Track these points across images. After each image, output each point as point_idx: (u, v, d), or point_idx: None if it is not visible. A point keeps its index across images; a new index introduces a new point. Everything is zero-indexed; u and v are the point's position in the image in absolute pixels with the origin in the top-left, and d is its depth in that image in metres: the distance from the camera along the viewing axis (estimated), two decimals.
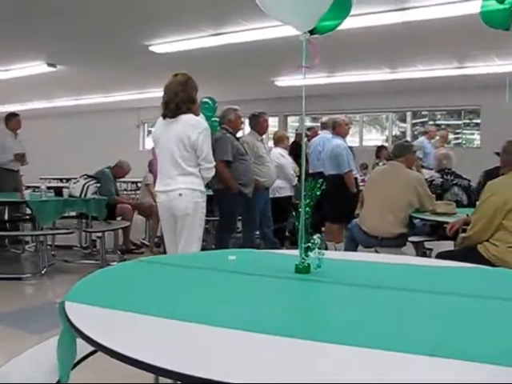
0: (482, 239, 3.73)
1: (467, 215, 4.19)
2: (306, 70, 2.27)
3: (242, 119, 6.20)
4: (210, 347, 1.34)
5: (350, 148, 7.15)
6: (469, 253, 3.73)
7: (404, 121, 14.84)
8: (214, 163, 4.10)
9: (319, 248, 2.08)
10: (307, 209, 2.08)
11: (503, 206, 3.62)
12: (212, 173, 4.08)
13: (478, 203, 3.95)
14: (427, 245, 5.46)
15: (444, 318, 1.59)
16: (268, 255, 2.76)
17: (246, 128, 6.98)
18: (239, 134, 6.37)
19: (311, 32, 2.27)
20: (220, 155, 5.36)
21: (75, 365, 1.83)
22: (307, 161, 7.95)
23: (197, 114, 4.10)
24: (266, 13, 2.36)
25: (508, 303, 1.76)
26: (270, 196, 6.64)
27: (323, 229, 7.08)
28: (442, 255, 4.05)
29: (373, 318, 1.59)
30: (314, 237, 2.05)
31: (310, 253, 2.07)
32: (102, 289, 1.92)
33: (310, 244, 2.05)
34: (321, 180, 2.10)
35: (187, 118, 3.95)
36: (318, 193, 2.06)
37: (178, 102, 3.93)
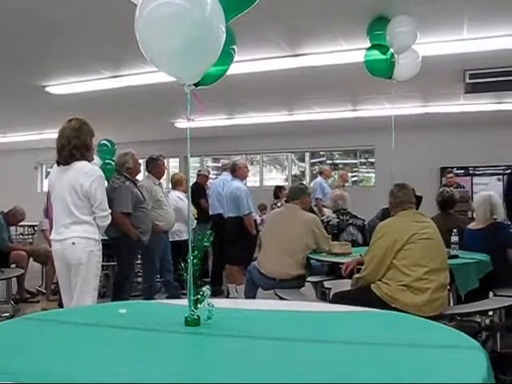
0: (375, 279, 3.83)
1: (361, 255, 4.32)
2: (195, 116, 2.29)
3: (139, 162, 6.02)
4: None
5: (249, 189, 7.26)
6: (363, 292, 3.82)
7: (303, 160, 15.24)
8: (109, 211, 4.02)
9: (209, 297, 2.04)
10: (195, 260, 2.05)
11: (393, 247, 3.75)
12: (107, 221, 4.00)
13: (370, 243, 4.08)
14: (326, 284, 5.54)
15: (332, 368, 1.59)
16: (158, 306, 2.72)
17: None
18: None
19: (196, 84, 2.27)
20: (120, 207, 5.22)
21: None
22: (207, 202, 7.99)
23: (90, 160, 4.02)
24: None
25: (395, 348, 1.80)
26: (170, 239, 6.57)
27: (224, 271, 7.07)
28: (337, 296, 4.13)
29: (261, 374, 1.55)
30: (203, 288, 2.02)
31: (199, 304, 2.03)
32: None
33: (199, 296, 2.02)
34: (209, 231, 2.09)
35: (81, 166, 3.87)
36: (206, 244, 2.04)
37: (70, 148, 3.85)
